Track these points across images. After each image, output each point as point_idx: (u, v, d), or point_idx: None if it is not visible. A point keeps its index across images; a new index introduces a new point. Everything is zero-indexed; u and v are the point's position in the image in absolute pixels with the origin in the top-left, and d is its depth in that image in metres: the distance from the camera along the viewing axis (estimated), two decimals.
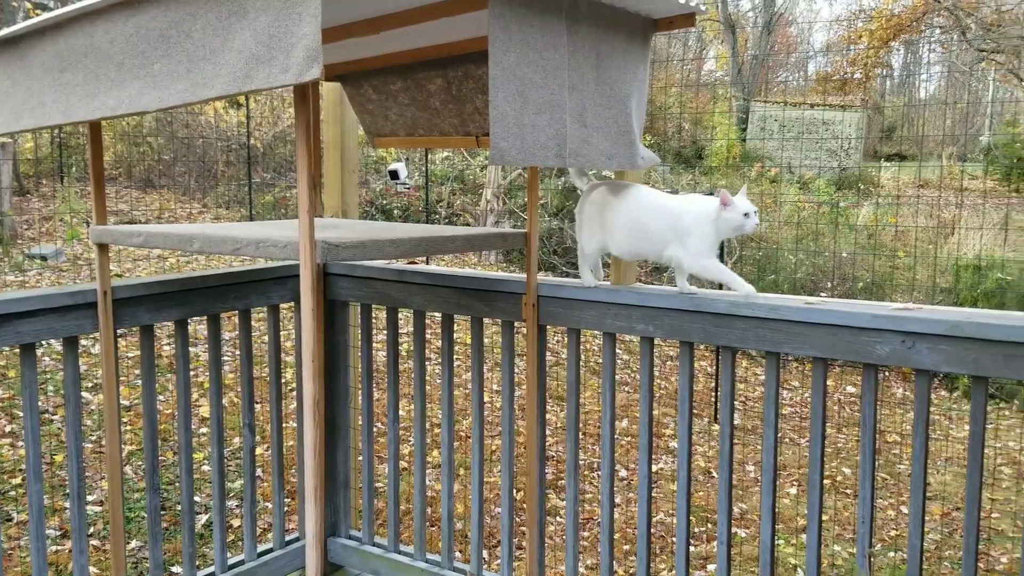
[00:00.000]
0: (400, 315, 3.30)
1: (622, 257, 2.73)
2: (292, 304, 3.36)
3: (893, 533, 5.26)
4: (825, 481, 6.06)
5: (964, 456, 2.34)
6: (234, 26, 1.86)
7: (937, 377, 8.56)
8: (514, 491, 3.26)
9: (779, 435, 2.65)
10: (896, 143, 18.95)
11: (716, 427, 6.30)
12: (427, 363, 3.25)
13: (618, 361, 7.66)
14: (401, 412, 3.35)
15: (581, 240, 2.75)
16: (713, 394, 7.45)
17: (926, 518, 5.41)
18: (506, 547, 3.28)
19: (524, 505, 3.12)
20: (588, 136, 2.41)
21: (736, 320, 2.49)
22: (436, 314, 3.16)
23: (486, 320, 3.11)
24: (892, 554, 4.93)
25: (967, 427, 2.30)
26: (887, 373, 8.34)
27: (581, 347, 2.92)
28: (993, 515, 5.61)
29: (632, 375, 7.99)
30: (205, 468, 4.82)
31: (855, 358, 2.33)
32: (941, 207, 12.66)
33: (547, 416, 4.39)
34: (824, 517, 5.39)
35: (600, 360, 2.91)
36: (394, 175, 9.02)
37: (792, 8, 25.74)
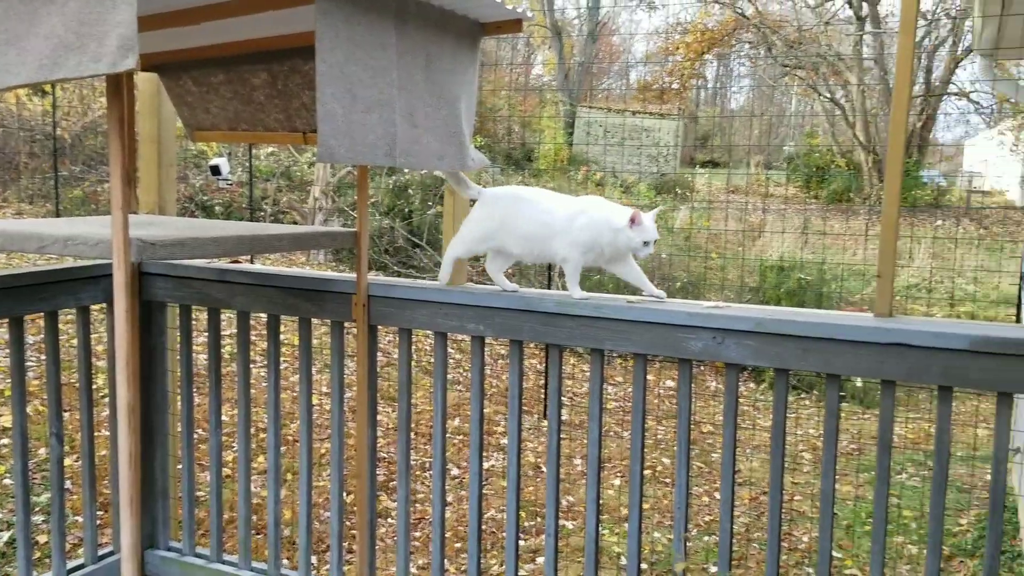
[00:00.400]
0: (223, 317, 3.18)
1: (523, 260, 2.73)
2: (104, 306, 3.16)
3: (708, 518, 5.57)
4: (646, 471, 6.35)
5: (770, 444, 2.52)
6: (40, 10, 1.74)
7: (745, 370, 9.15)
8: (344, 494, 3.21)
9: (604, 429, 2.75)
10: (710, 151, 20.08)
11: (545, 423, 6.46)
12: (252, 366, 3.15)
13: (450, 360, 7.70)
14: (224, 417, 3.23)
15: (484, 245, 2.71)
16: (543, 391, 7.63)
17: (736, 503, 5.76)
18: (335, 551, 3.23)
19: (355, 508, 3.08)
20: (419, 136, 2.41)
21: (564, 319, 2.56)
22: (261, 315, 3.07)
23: (315, 321, 3.04)
24: (707, 538, 5.23)
25: (772, 416, 2.48)
26: (702, 367, 8.83)
27: (413, 347, 2.91)
28: (796, 498, 6.05)
29: (464, 374, 8.06)
30: (7, 482, 4.46)
31: (672, 353, 2.46)
32: (749, 212, 13.54)
33: (378, 417, 4.35)
34: (645, 506, 5.65)
35: (432, 360, 2.92)
36: (215, 171, 8.66)
37: (615, 18, 26.74)
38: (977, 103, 18.19)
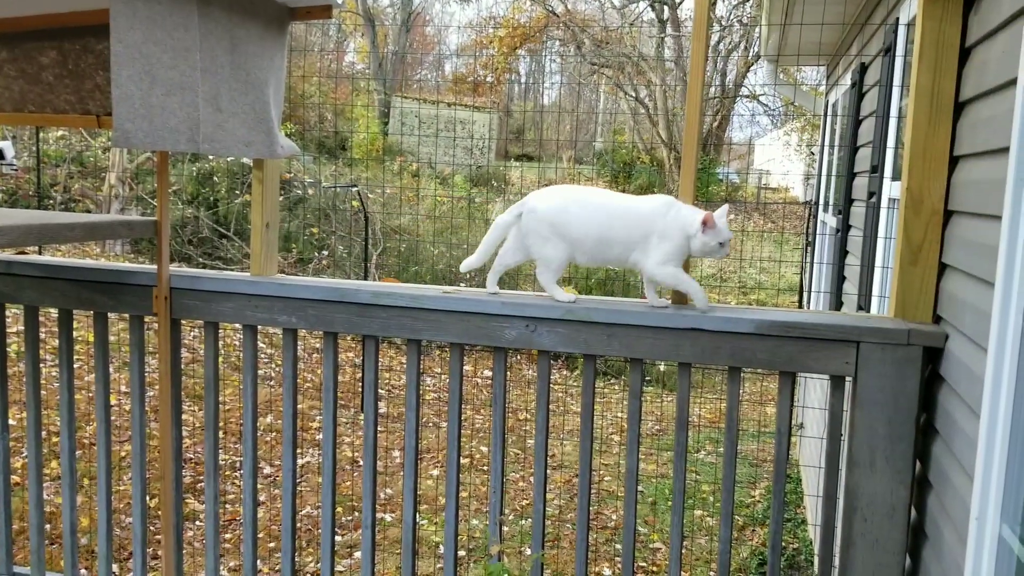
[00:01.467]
0: (8, 312, 2.93)
1: (589, 265, 2.57)
2: None
3: (524, 502, 5.72)
4: (464, 460, 6.43)
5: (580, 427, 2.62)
6: None
7: (559, 358, 9.45)
8: (147, 498, 3.05)
9: (423, 420, 2.77)
10: (524, 144, 20.52)
11: (363, 416, 6.39)
12: (42, 365, 2.92)
13: (261, 355, 7.47)
14: (12, 421, 2.98)
15: (543, 255, 2.45)
16: (360, 384, 7.55)
17: (550, 486, 5.93)
18: (139, 558, 3.06)
19: (160, 512, 2.94)
20: (223, 121, 2.32)
21: (379, 310, 2.55)
22: (52, 310, 2.86)
23: (112, 315, 2.87)
24: (524, 521, 5.36)
25: (581, 400, 2.58)
26: (519, 356, 9.04)
27: (221, 342, 2.81)
28: (606, 478, 6.33)
29: (277, 369, 7.83)
30: None
31: (487, 342, 2.51)
32: None
33: (184, 416, 4.16)
34: (464, 494, 5.73)
35: (242, 355, 2.83)
36: None
37: (428, 8, 26.72)
38: (766, 105, 19.62)
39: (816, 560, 2.74)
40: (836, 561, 2.53)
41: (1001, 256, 1.74)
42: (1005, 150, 1.77)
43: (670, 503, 2.60)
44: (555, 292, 2.46)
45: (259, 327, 2.75)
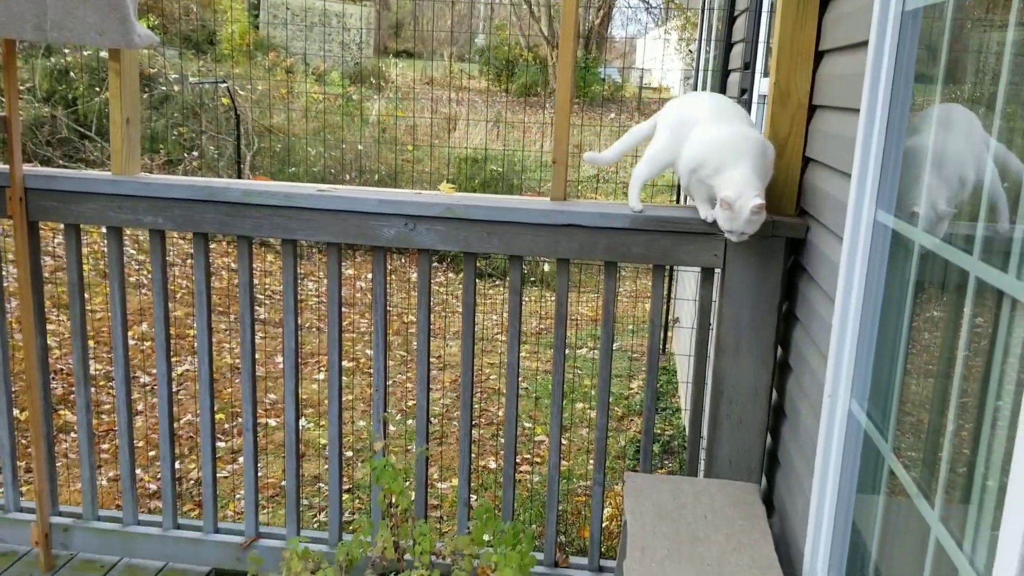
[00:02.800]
0: None
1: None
2: None
3: (411, 403, 5.79)
4: (351, 364, 6.42)
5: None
6: None
7: (444, 260, 9.46)
8: (14, 411, 2.94)
9: (307, 325, 2.73)
10: (403, 40, 19.92)
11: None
12: None
13: (134, 262, 7.18)
14: None
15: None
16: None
17: (438, 386, 6.00)
18: (8, 472, 2.97)
19: (28, 425, 2.83)
20: (73, 7, 2.16)
21: (250, 209, 2.47)
22: None
23: None
24: (411, 421, 5.44)
25: (463, 297, 2.60)
26: (404, 260, 8.99)
27: (87, 248, 2.67)
28: (491, 377, 6.45)
29: (150, 276, 7.55)
30: None
31: (365, 241, 2.47)
32: (445, 103, 13.71)
33: (53, 327, 3.98)
34: (350, 396, 5.74)
35: (107, 259, 2.71)
36: None
37: None
38: (647, 3, 19.60)
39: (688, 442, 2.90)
40: (704, 443, 2.68)
41: (857, 148, 1.82)
42: (864, 44, 1.83)
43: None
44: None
45: (124, 229, 2.64)
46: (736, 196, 2.10)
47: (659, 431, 5.31)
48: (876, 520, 1.79)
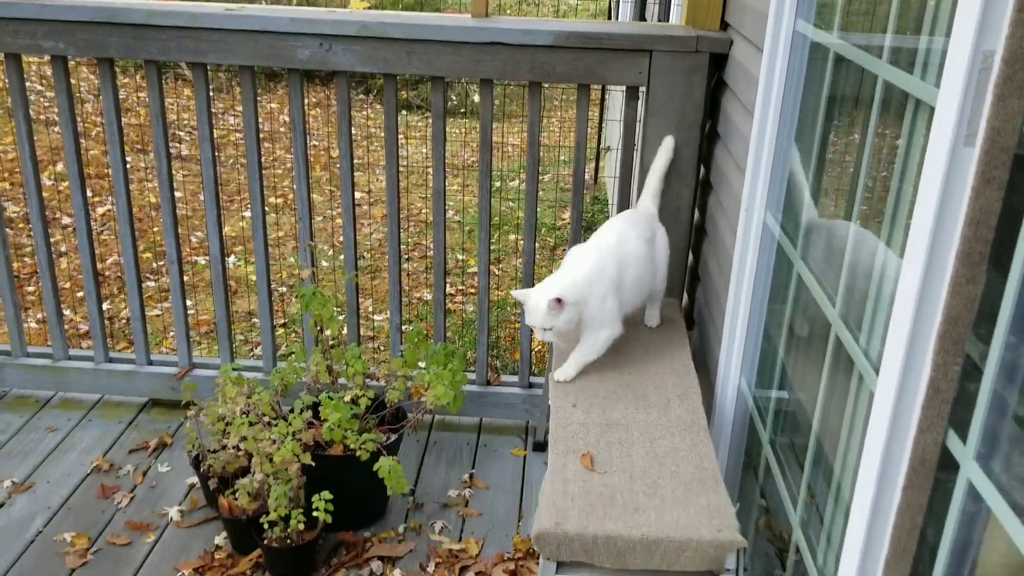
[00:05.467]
0: None
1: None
2: None
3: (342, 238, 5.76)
4: (278, 199, 6.32)
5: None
6: None
7: (370, 92, 9.19)
8: None
9: (231, 161, 2.66)
10: None
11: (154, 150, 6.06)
12: None
13: (43, 99, 6.81)
14: None
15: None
16: None
17: (369, 220, 5.94)
18: None
19: None
20: None
21: (156, 31, 2.34)
22: None
23: None
24: (341, 256, 5.44)
25: (384, 122, 2.54)
26: (328, 93, 8.70)
27: None
28: (423, 211, 6.43)
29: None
30: None
31: (278, 63, 2.38)
32: None
33: None
34: (280, 233, 5.69)
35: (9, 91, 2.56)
36: None
37: None
38: None
39: None
40: None
41: None
42: None
43: None
44: None
45: (23, 56, 2.48)
46: (536, 292, 2.05)
47: None
48: (783, 325, 1.89)
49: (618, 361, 2.10)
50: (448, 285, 4.45)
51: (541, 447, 2.83)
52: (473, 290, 5.32)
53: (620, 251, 2.13)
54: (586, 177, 2.79)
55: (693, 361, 2.15)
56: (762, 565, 2.03)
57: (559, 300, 1.97)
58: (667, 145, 2.37)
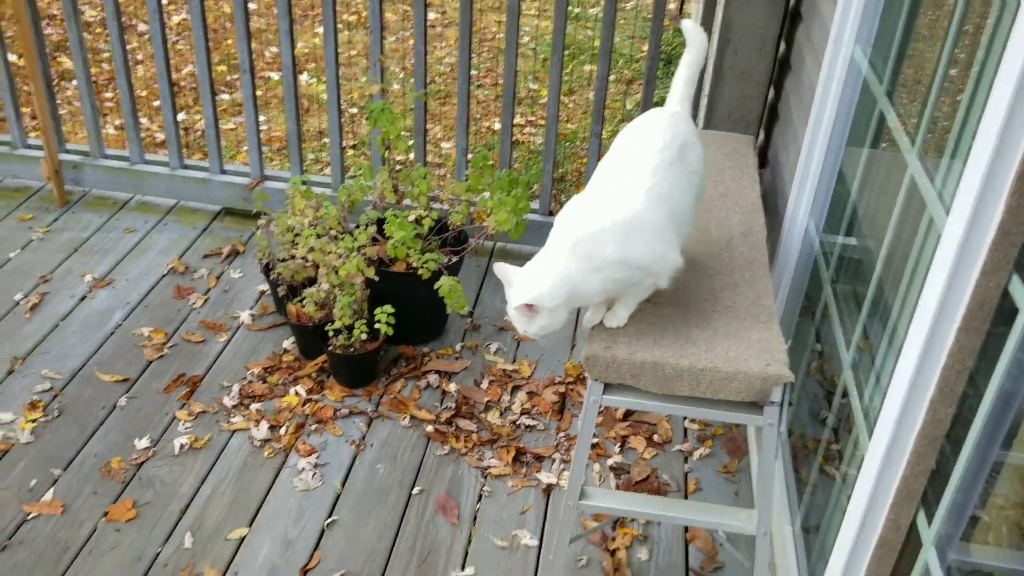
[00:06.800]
0: None
1: None
2: None
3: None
4: (351, 17, 6.20)
5: None
6: None
7: None
8: (8, 55, 2.90)
9: None
10: None
11: None
12: None
13: None
14: None
15: None
16: None
17: (442, 44, 5.78)
18: (10, 109, 3.00)
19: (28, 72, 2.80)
20: None
21: None
22: None
23: None
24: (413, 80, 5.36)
25: None
26: None
27: None
28: (499, 35, 6.26)
29: None
30: None
31: None
32: None
33: None
34: (353, 52, 5.61)
35: None
36: None
37: None
38: None
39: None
40: (705, 100, 2.65)
41: None
42: None
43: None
44: None
45: None
46: (516, 277, 1.60)
47: (666, 94, 5.25)
48: (859, 167, 1.82)
49: None
50: (518, 115, 4.38)
51: None
52: (543, 121, 5.24)
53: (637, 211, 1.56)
54: (670, 5, 2.64)
55: (762, 201, 2.10)
56: (808, 405, 2.06)
57: (530, 306, 1.55)
58: (696, 40, 1.75)
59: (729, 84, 2.43)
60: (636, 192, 1.57)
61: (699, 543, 2.07)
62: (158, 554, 1.97)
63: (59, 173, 3.03)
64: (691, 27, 1.75)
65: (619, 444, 2.32)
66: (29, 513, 2.03)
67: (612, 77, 2.76)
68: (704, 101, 2.61)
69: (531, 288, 1.55)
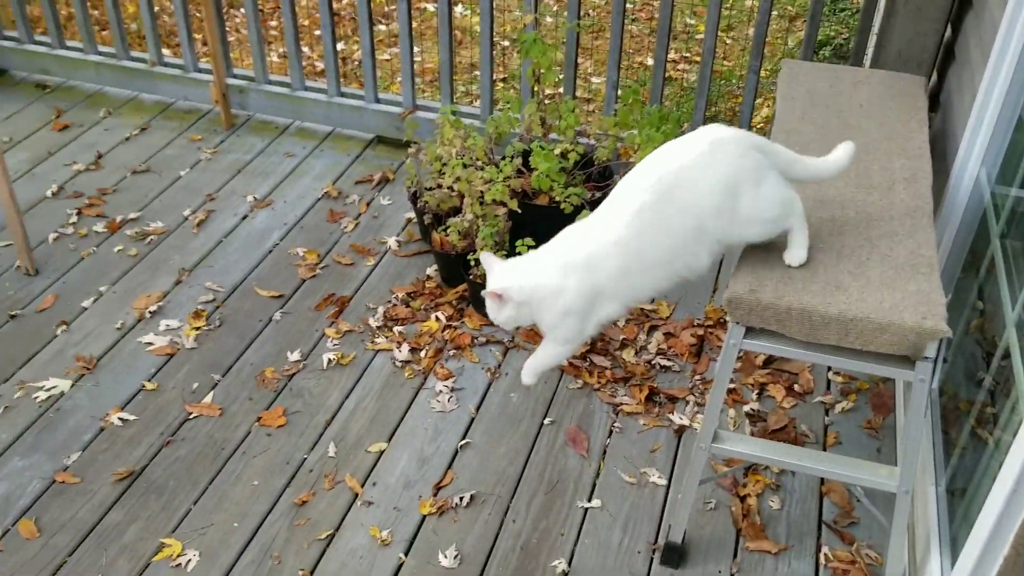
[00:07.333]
0: None
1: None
2: None
3: None
4: None
5: None
6: None
7: None
8: None
9: None
10: None
11: None
12: None
13: None
14: None
15: None
16: None
17: None
18: (184, 33, 3.16)
19: None
20: None
21: None
22: None
23: None
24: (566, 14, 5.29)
25: None
26: None
27: None
28: None
29: None
30: None
31: None
32: None
33: None
34: None
35: None
36: None
37: None
38: None
39: (854, 40, 2.68)
40: (870, 51, 2.49)
41: None
42: None
43: None
44: None
45: None
46: (496, 268, 1.72)
47: (832, 32, 4.97)
48: None
49: (843, 136, 1.97)
50: (672, 50, 4.25)
51: None
52: (697, 57, 5.08)
53: (639, 237, 1.57)
54: None
55: (930, 146, 1.97)
56: (964, 364, 1.95)
57: (499, 295, 1.66)
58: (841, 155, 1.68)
59: (902, 21, 2.27)
60: (600, 238, 1.61)
61: (835, 496, 2.02)
62: (304, 460, 2.09)
63: (226, 97, 3.19)
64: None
65: (757, 391, 2.28)
66: (191, 413, 2.20)
67: (775, 12, 2.63)
68: (873, 39, 2.45)
69: (505, 279, 1.67)
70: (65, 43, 3.37)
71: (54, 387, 2.25)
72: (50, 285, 2.57)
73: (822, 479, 2.05)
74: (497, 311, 1.69)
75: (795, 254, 1.60)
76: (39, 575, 1.84)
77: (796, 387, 2.28)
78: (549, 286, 1.64)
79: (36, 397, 2.23)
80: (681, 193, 1.56)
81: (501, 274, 1.69)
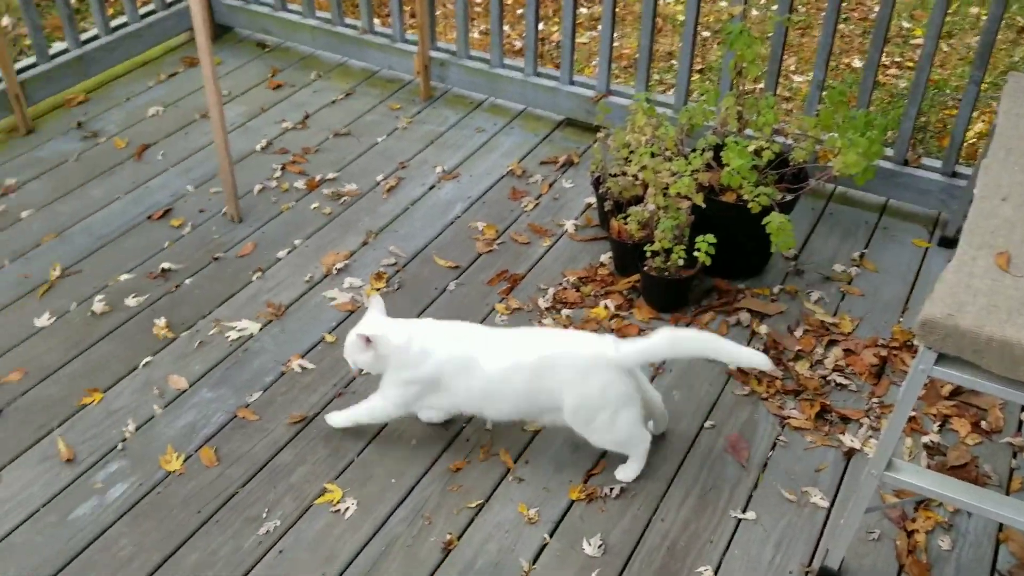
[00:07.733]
0: None
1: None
2: None
3: None
4: None
5: None
6: None
7: None
8: None
9: None
10: None
11: None
12: None
13: None
14: None
15: None
16: None
17: None
18: (396, 14, 3.27)
19: None
20: None
21: None
22: None
23: None
24: (775, 7, 5.10)
25: None
26: None
27: None
28: None
29: None
30: None
31: None
32: None
33: None
34: None
35: None
36: None
37: None
38: None
39: None
40: None
41: None
42: None
43: None
44: None
45: None
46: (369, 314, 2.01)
47: None
48: None
49: None
50: (883, 54, 4.02)
51: (949, 243, 2.59)
52: (911, 63, 4.76)
53: (504, 384, 1.92)
54: None
55: None
56: None
57: (368, 340, 1.90)
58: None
59: None
60: (483, 359, 1.91)
61: (1013, 546, 1.86)
62: (462, 429, 2.14)
63: (428, 69, 3.29)
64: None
65: (939, 423, 2.13)
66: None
67: (1002, 22, 2.44)
68: None
69: (380, 328, 1.92)
70: (287, 5, 3.58)
71: (245, 328, 2.41)
72: (251, 233, 2.75)
73: (1001, 525, 1.90)
74: (358, 352, 1.92)
75: (628, 471, 1.98)
76: (213, 501, 1.99)
77: (983, 424, 2.12)
78: (413, 353, 1.90)
79: (228, 336, 2.40)
80: (551, 384, 1.88)
81: (377, 322, 1.94)
